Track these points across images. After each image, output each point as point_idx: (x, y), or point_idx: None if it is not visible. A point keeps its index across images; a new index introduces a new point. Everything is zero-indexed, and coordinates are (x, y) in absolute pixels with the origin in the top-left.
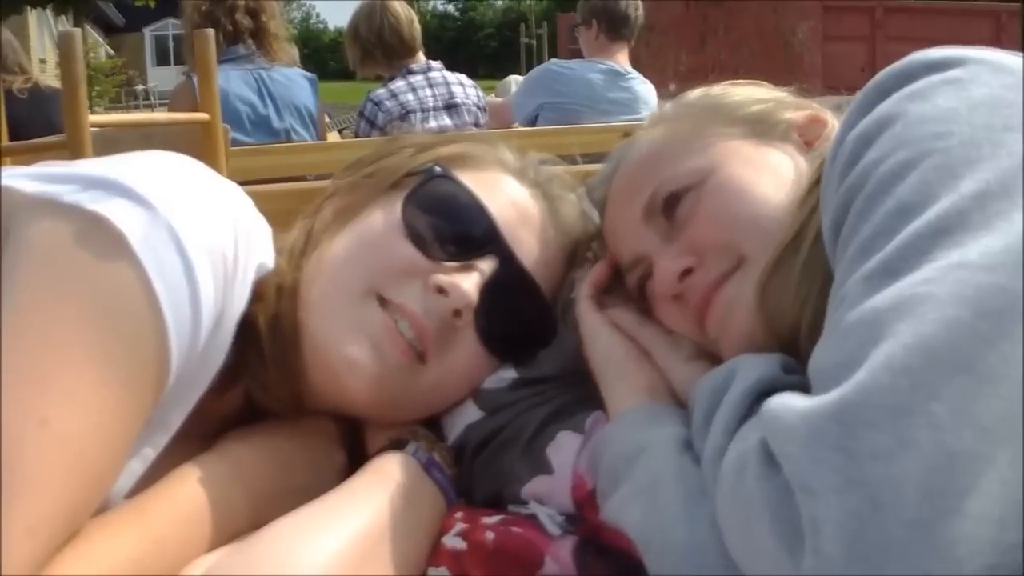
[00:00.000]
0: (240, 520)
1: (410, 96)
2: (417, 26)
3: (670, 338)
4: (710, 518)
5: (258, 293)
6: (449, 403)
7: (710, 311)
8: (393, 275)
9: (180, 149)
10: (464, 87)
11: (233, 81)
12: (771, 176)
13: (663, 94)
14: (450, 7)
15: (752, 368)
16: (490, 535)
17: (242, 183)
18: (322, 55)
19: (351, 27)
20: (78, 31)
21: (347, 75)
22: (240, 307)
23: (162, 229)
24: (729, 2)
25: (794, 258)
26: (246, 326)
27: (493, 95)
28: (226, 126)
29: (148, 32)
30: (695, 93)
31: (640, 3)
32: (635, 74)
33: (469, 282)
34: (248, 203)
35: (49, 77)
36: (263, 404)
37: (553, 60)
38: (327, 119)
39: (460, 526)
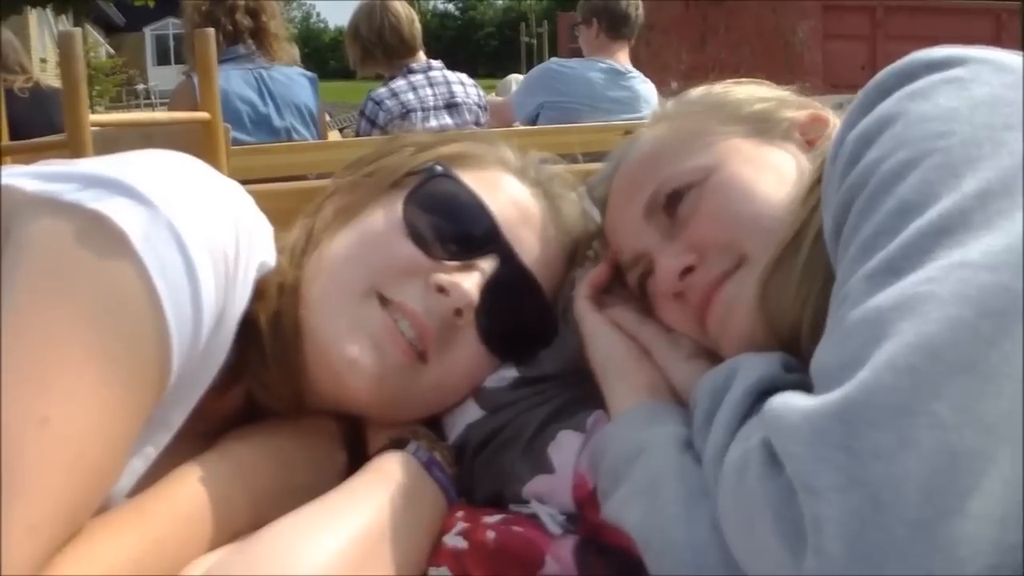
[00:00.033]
0: (241, 520)
1: (411, 95)
2: (417, 25)
3: (670, 337)
4: (711, 518)
5: (259, 292)
6: (450, 403)
7: (711, 310)
8: (394, 274)
9: (181, 148)
10: (465, 86)
11: (233, 80)
12: (773, 175)
13: (664, 93)
14: (450, 6)
15: (753, 367)
16: (491, 534)
17: (243, 182)
18: (322, 54)
19: (351, 26)
20: (78, 30)
21: (347, 74)
22: (241, 306)
23: (163, 227)
24: (729, 1)
25: (795, 257)
26: (247, 325)
27: (494, 94)
28: (227, 125)
29: (148, 31)
30: (697, 91)
31: (640, 2)
32: (636, 73)
33: (470, 281)
34: (249, 202)
35: (50, 77)
36: (264, 403)
37: (553, 59)
38: (328, 118)
39: (461, 525)
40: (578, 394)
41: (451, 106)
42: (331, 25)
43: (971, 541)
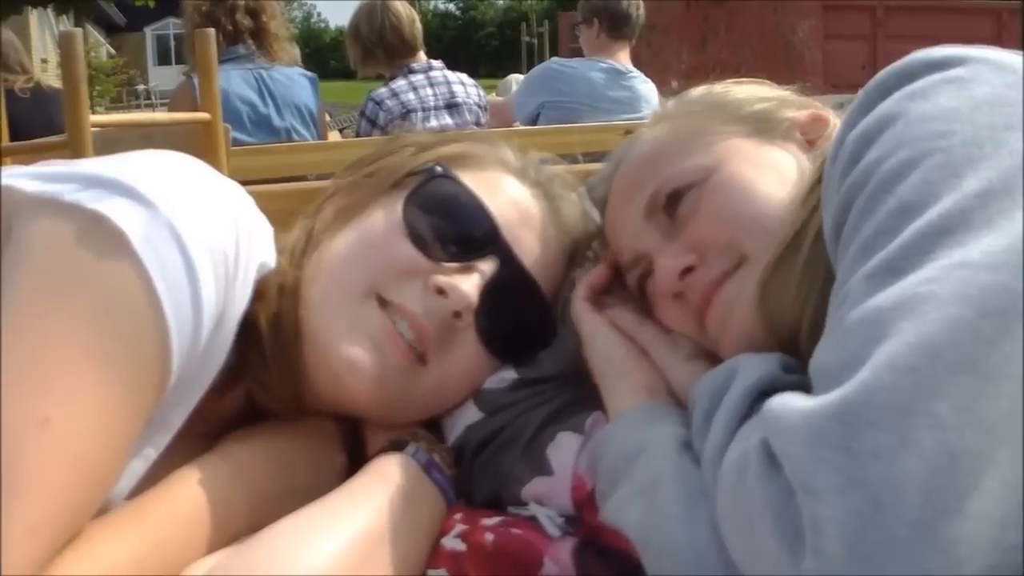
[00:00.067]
0: (240, 521)
1: (411, 95)
2: (418, 25)
3: (669, 338)
4: (709, 518)
5: (259, 292)
6: (449, 404)
7: (710, 310)
8: (393, 275)
9: (181, 149)
10: (465, 86)
11: (233, 81)
12: (773, 175)
13: (665, 93)
14: (451, 6)
15: (752, 368)
16: (489, 536)
17: (243, 183)
18: (323, 54)
19: (352, 26)
20: (79, 31)
21: (348, 74)
22: (241, 306)
23: (163, 228)
24: (730, 1)
25: (795, 257)
26: (247, 326)
27: (494, 94)
28: (227, 126)
29: (149, 31)
30: (698, 91)
31: (641, 2)
32: (636, 73)
33: (469, 283)
34: (249, 202)
35: (50, 77)
36: (264, 404)
37: (554, 59)
38: (328, 118)
39: (460, 527)
40: (577, 395)
41: (451, 106)
42: (332, 25)
43: (970, 541)
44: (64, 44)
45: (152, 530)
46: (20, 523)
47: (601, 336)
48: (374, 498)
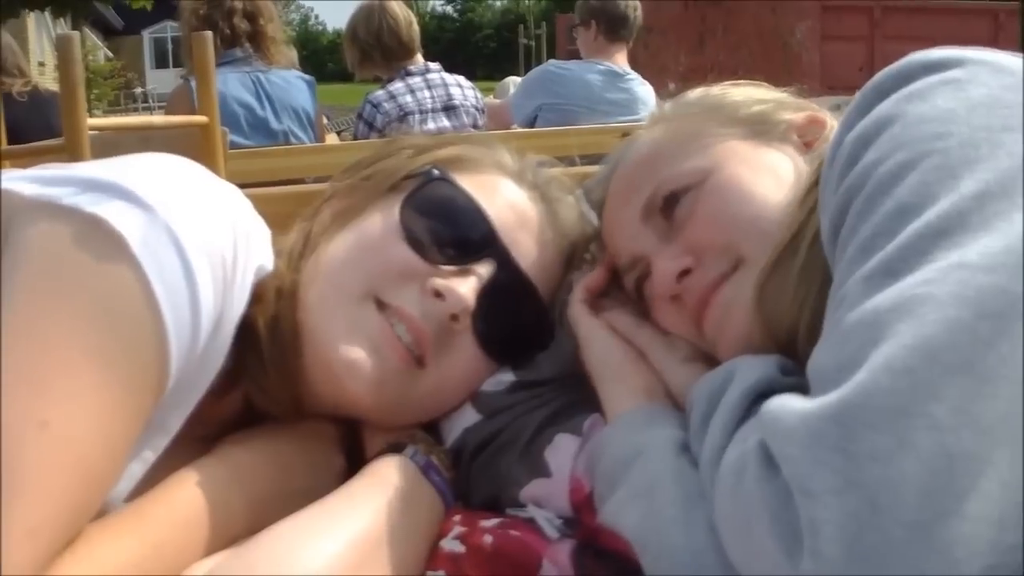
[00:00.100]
0: (239, 523)
1: (408, 98)
2: (415, 27)
3: (667, 340)
4: (708, 520)
5: (257, 295)
6: (448, 407)
7: (708, 312)
8: (391, 278)
9: (179, 152)
10: (462, 89)
11: (230, 84)
12: (770, 177)
13: (662, 95)
14: (448, 8)
15: (750, 370)
16: (488, 538)
17: (240, 186)
18: (320, 57)
19: (349, 29)
20: (76, 34)
21: (345, 77)
22: (239, 309)
23: (161, 231)
24: (727, 2)
25: (792, 259)
26: (245, 329)
27: (491, 96)
28: (224, 129)
29: (147, 35)
30: (695, 93)
31: (639, 4)
32: (634, 75)
33: (466, 286)
34: (247, 205)
35: (48, 80)
36: (262, 407)
37: (551, 61)
38: (325, 121)
39: (458, 529)
40: (575, 397)
41: (449, 109)
42: (329, 28)
43: (968, 542)
44: (61, 47)
45: (151, 532)
46: (20, 525)
47: (599, 338)
48: (372, 500)
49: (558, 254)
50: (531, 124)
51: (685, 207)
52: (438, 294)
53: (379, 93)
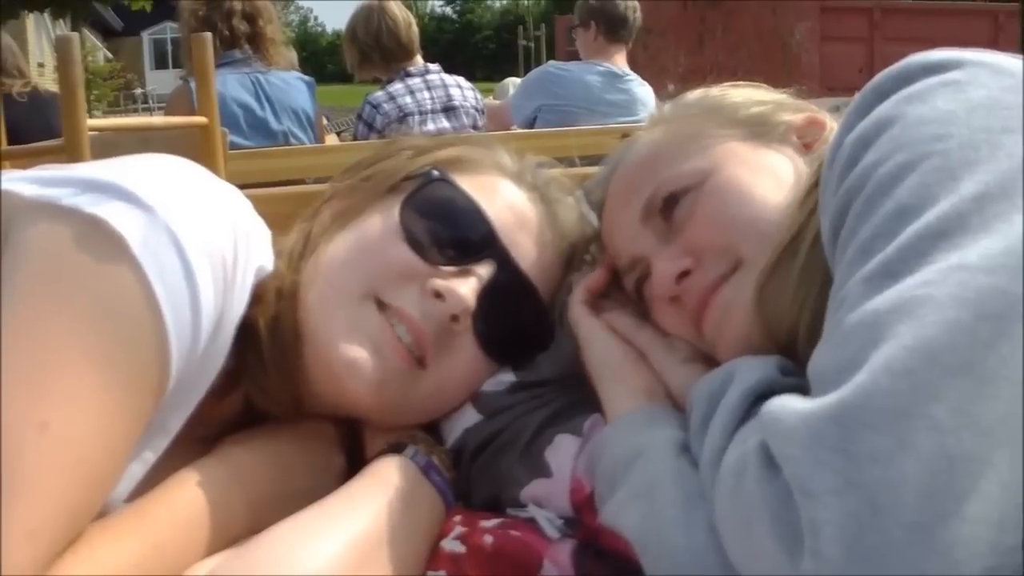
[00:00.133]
0: (239, 524)
1: (408, 99)
2: (415, 28)
3: (666, 341)
4: (708, 521)
5: (257, 296)
6: (448, 408)
7: (707, 313)
8: (391, 279)
9: (178, 153)
10: (462, 89)
11: (230, 84)
12: (770, 178)
13: (661, 96)
14: (448, 9)
15: (750, 370)
16: (488, 538)
17: (240, 186)
18: (320, 58)
19: (349, 30)
20: (76, 35)
21: (345, 78)
22: (240, 310)
23: (161, 232)
24: (727, 3)
25: (792, 260)
26: (245, 329)
27: (491, 97)
28: (224, 129)
29: (146, 36)
30: (694, 94)
31: (638, 5)
32: (633, 76)
33: (466, 287)
34: (247, 205)
35: (47, 81)
36: (262, 408)
37: (551, 62)
38: (325, 122)
39: (458, 529)
40: (575, 398)
41: (448, 110)
42: (329, 29)
43: (968, 544)
44: (61, 48)
45: (151, 533)
46: (20, 526)
47: (599, 339)
48: (373, 500)
49: (558, 255)
50: (531, 125)
51: (684, 208)
52: (438, 295)
53: (379, 94)
